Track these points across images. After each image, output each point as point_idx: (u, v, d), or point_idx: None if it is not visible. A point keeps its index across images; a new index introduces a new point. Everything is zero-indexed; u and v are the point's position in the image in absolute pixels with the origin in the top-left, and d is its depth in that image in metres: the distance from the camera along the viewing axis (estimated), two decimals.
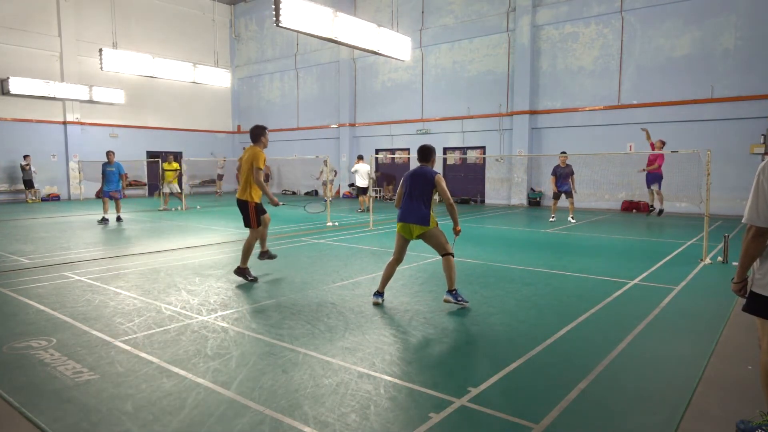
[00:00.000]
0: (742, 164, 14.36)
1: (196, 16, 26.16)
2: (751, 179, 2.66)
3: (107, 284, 6.41)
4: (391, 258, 5.55)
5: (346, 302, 5.55)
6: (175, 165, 17.18)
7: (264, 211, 6.72)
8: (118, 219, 13.11)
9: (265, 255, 7.20)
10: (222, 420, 2.98)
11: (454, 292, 5.33)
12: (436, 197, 5.48)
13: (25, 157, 20.32)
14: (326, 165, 18.18)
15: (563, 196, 13.11)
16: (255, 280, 6.53)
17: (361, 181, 16.03)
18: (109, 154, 13.20)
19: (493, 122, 19.30)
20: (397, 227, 5.47)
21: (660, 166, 13.29)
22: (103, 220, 12.85)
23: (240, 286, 6.30)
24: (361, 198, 16.41)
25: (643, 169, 13.65)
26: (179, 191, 17.20)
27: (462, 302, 5.33)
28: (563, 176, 12.99)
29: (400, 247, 5.48)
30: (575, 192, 13.23)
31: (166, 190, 17.07)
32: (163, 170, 17.04)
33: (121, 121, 23.74)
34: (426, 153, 5.51)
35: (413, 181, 5.40)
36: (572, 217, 13.17)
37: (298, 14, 9.69)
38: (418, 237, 5.36)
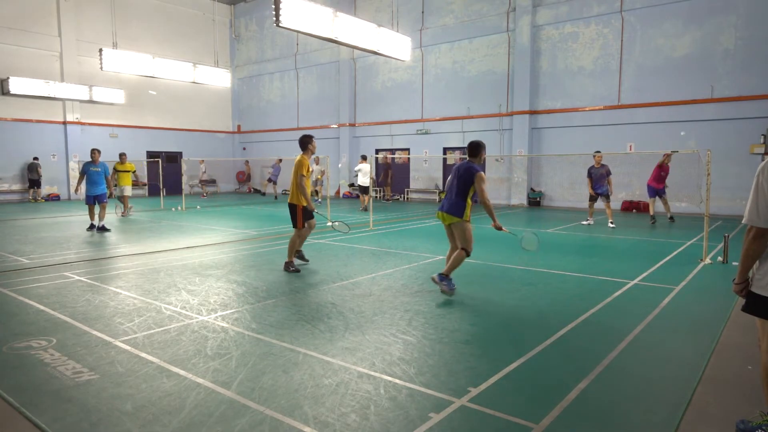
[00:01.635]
0: (742, 164, 14.36)
1: (196, 16, 26.16)
2: (751, 179, 2.66)
3: (107, 284, 6.42)
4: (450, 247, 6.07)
5: (346, 302, 5.55)
6: (129, 165, 14.99)
7: (311, 216, 7.52)
8: (102, 229, 11.32)
9: (298, 253, 7.69)
10: (222, 420, 2.98)
11: (446, 277, 5.71)
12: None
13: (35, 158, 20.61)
14: (317, 164, 18.14)
15: (599, 198, 12.39)
16: (297, 270, 7.22)
17: (363, 180, 16.37)
18: (94, 152, 11.63)
19: (493, 122, 19.30)
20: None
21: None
22: (92, 227, 11.41)
23: (240, 286, 6.30)
24: (361, 197, 16.76)
25: (664, 185, 13.06)
26: (129, 194, 14.97)
27: (446, 288, 5.67)
28: (599, 177, 12.20)
29: (450, 237, 6.03)
30: (612, 193, 12.49)
31: (119, 192, 14.60)
32: (116, 171, 14.58)
33: (121, 121, 23.74)
34: (473, 149, 5.86)
35: (457, 173, 5.82)
36: (612, 222, 12.19)
37: (298, 14, 9.69)
38: (449, 225, 5.84)
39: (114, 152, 23.04)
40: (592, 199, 12.59)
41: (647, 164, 15.72)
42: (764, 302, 2.65)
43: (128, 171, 14.90)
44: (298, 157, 7.30)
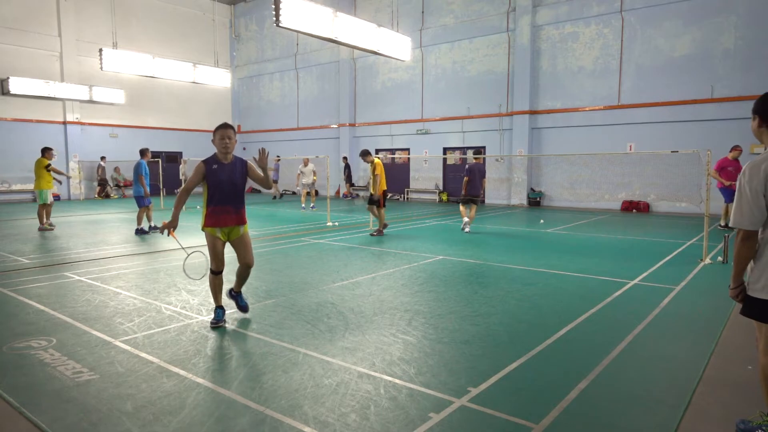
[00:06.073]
0: (742, 164, 14.33)
1: (196, 16, 26.15)
2: None
3: (107, 284, 6.41)
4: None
5: (346, 302, 5.55)
6: (46, 162, 11.45)
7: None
8: (139, 231, 11.00)
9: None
10: (222, 420, 2.98)
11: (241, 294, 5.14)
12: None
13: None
14: (305, 165, 17.62)
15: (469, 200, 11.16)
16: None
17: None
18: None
19: (493, 122, 19.30)
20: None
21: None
22: (139, 231, 10.96)
23: None
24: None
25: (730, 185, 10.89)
26: (47, 202, 11.53)
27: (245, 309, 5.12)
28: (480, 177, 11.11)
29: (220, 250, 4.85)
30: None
31: (50, 199, 11.59)
32: (49, 169, 11.51)
33: (121, 121, 23.74)
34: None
35: (232, 178, 4.99)
36: (467, 227, 11.10)
37: (298, 14, 9.70)
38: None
39: (114, 152, 23.19)
40: (464, 201, 11.26)
41: (647, 164, 15.75)
42: (760, 305, 2.66)
43: (46, 169, 11.49)
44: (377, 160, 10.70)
